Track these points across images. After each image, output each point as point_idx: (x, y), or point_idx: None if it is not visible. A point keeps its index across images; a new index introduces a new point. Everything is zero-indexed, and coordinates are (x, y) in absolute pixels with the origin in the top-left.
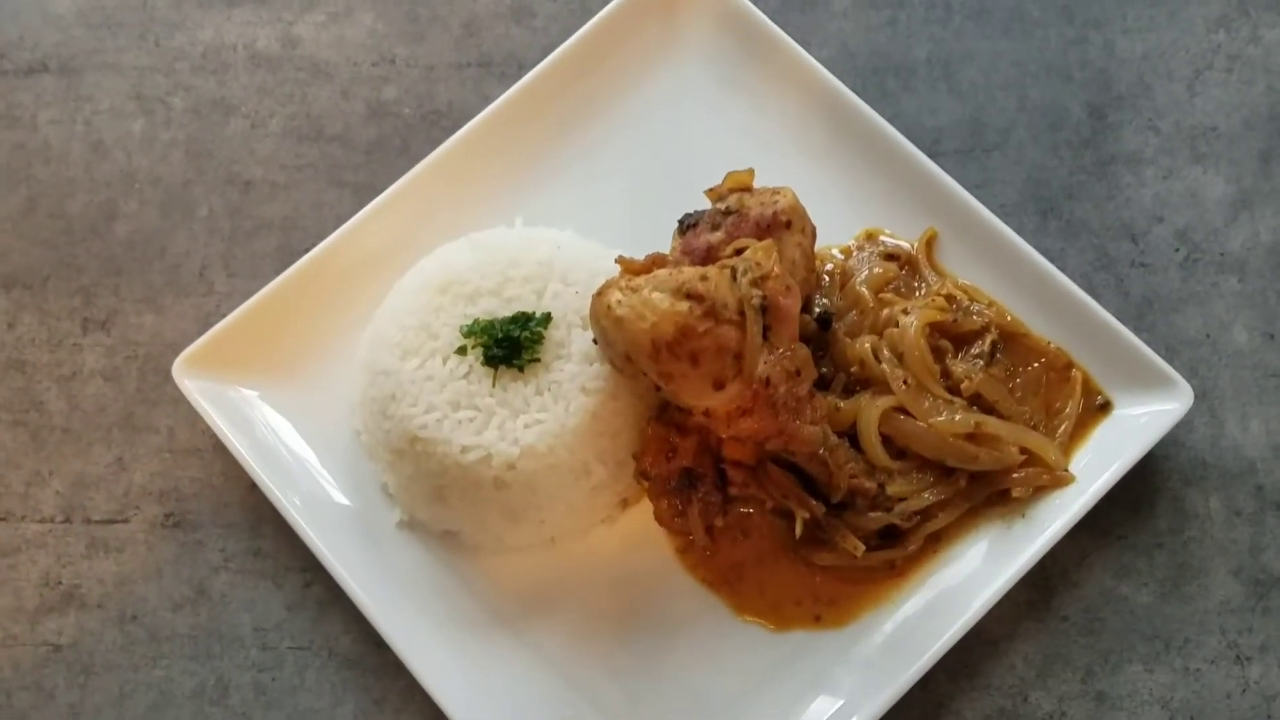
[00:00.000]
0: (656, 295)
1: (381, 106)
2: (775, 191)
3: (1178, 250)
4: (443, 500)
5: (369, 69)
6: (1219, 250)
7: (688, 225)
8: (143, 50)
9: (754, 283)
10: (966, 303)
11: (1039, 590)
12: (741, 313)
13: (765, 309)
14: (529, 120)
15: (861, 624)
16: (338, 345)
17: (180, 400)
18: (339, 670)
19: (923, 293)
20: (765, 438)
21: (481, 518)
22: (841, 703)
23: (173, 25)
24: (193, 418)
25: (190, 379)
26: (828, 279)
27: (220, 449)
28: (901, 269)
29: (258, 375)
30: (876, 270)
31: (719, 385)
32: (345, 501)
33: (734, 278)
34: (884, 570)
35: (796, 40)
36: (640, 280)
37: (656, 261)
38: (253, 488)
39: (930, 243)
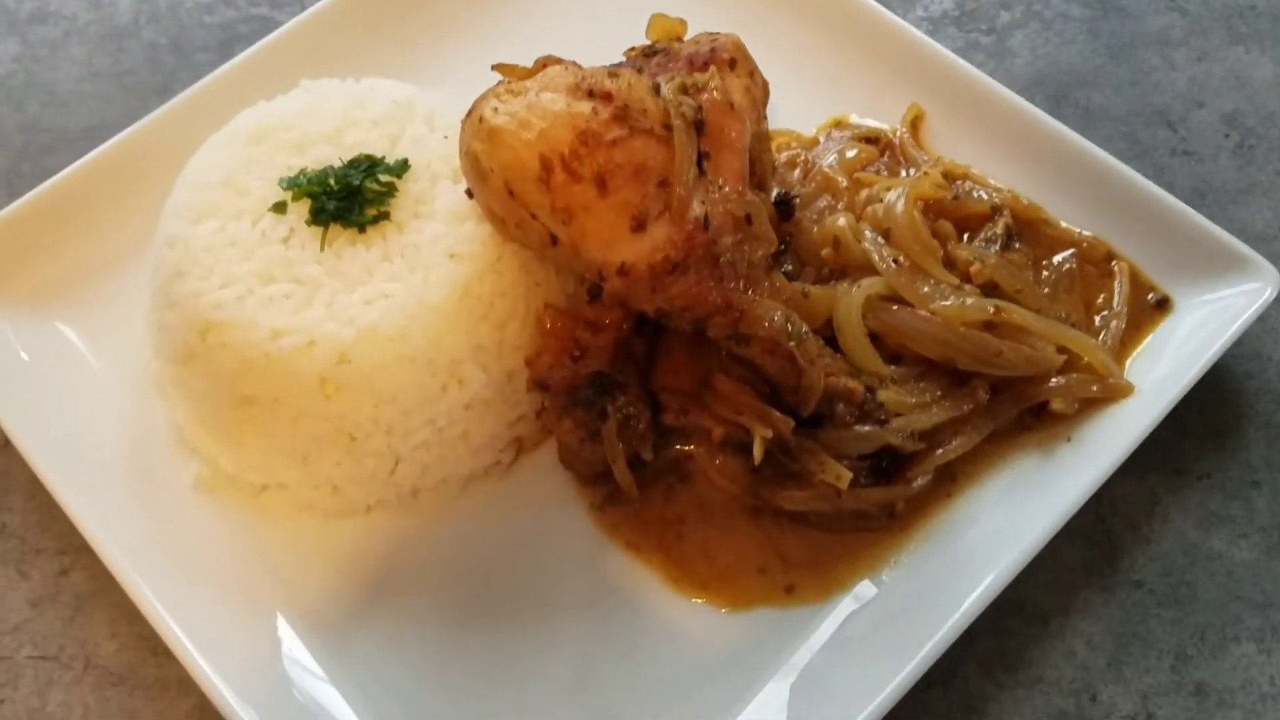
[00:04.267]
0: (548, 96)
1: None
2: (715, 35)
3: (1228, 136)
4: (250, 426)
5: None
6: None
7: None
8: None
9: (683, 90)
10: (968, 186)
11: (1099, 547)
12: (667, 125)
13: (700, 125)
14: None
15: (850, 595)
16: (137, 257)
17: None
18: (97, 688)
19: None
20: (706, 313)
21: (306, 452)
22: (826, 707)
23: None
24: None
25: None
26: (786, 169)
27: None
28: (881, 154)
29: (16, 289)
30: (850, 154)
31: (638, 223)
32: (128, 457)
33: (656, 91)
34: (880, 518)
35: None
36: (526, 83)
37: (548, 63)
38: (5, 442)
39: (916, 122)
